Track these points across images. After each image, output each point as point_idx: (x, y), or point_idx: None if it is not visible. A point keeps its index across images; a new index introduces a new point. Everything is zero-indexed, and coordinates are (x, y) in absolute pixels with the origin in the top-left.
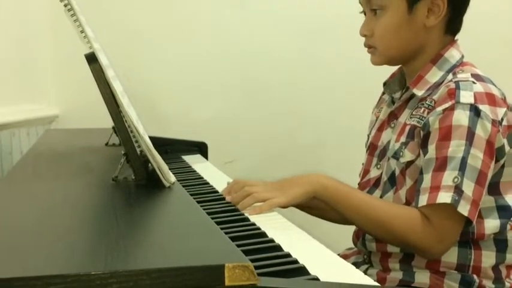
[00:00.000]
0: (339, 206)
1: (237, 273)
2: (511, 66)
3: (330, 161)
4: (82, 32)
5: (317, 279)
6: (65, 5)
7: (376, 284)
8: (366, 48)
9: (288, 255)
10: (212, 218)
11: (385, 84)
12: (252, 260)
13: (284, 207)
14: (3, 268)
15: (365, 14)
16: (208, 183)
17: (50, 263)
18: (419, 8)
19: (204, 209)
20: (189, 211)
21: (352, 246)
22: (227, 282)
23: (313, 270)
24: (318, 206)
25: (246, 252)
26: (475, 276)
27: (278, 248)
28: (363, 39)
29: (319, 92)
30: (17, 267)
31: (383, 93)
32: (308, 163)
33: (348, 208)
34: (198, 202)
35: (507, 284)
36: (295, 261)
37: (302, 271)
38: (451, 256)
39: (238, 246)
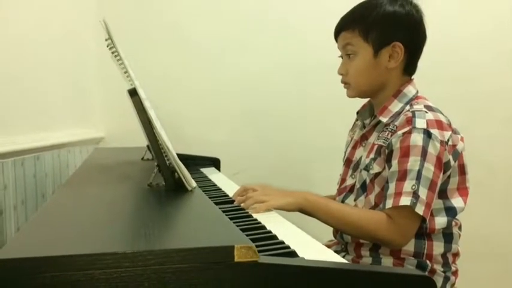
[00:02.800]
0: (322, 216)
1: (243, 252)
2: (456, 99)
3: (316, 174)
4: (126, 72)
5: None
6: (113, 53)
7: (349, 262)
8: (343, 84)
9: (282, 242)
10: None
11: (358, 113)
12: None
13: (276, 209)
14: (68, 247)
15: (342, 58)
16: (220, 189)
17: (103, 244)
18: (383, 54)
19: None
20: (207, 208)
21: (333, 238)
22: (236, 259)
23: (301, 254)
24: None
25: (250, 240)
26: (428, 262)
27: (274, 237)
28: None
29: (308, 119)
30: (78, 247)
31: (356, 120)
32: (298, 175)
33: (328, 217)
34: (214, 203)
35: (453, 268)
36: (288, 247)
37: (293, 254)
38: (410, 246)
39: None
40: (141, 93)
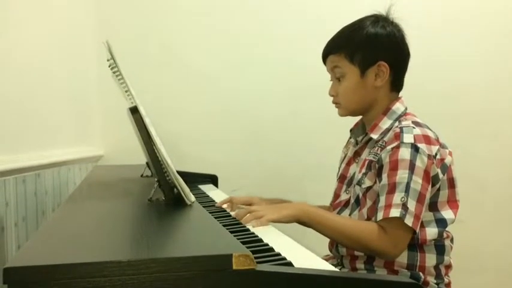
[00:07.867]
0: (318, 227)
1: (241, 260)
2: (446, 117)
3: (310, 190)
4: (127, 91)
5: None
6: (114, 72)
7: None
8: (334, 104)
9: (279, 254)
10: None
11: (351, 130)
12: None
13: (274, 222)
14: (75, 256)
15: (331, 80)
16: None
17: (107, 253)
18: (369, 74)
19: None
20: (206, 220)
21: (329, 253)
22: (234, 267)
23: (297, 265)
24: None
25: None
26: (421, 274)
27: (271, 249)
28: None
29: (302, 138)
30: (84, 256)
31: (350, 137)
32: (293, 191)
33: (324, 227)
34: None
35: (446, 280)
36: (284, 258)
37: (289, 265)
38: (403, 258)
39: None
40: (142, 110)
